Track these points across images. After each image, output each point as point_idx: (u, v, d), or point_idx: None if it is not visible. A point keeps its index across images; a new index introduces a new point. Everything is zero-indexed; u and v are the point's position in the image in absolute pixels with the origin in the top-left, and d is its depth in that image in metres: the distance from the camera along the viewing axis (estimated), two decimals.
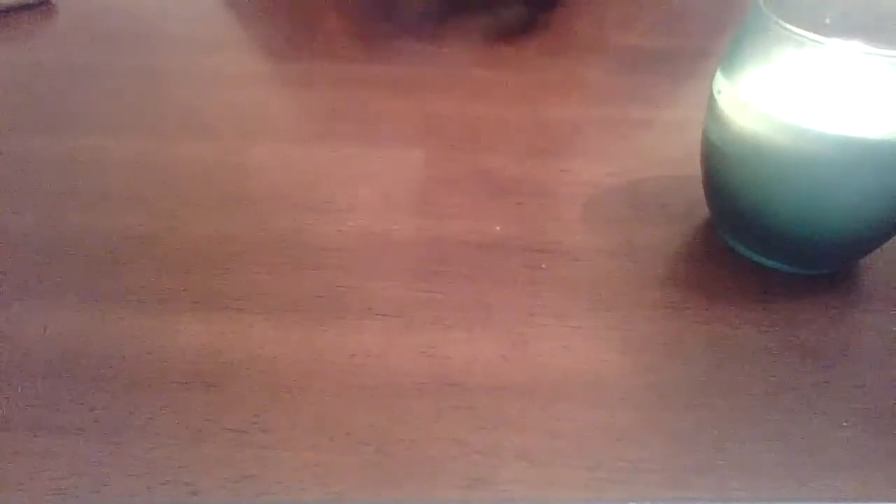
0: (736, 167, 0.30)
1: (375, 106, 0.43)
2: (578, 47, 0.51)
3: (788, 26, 0.26)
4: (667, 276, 0.32)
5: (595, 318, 0.30)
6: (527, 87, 0.46)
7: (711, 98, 0.31)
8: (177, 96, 0.44)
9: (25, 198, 0.36)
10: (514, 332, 0.29)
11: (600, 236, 0.34)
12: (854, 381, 0.28)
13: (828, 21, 0.30)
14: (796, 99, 0.27)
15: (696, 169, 0.33)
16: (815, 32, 0.26)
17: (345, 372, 0.28)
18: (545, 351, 0.29)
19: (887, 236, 0.31)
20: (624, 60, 0.49)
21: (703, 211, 0.35)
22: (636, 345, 0.29)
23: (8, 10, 0.52)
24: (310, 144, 0.40)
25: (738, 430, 0.26)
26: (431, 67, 0.48)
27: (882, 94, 0.26)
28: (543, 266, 0.32)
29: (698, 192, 0.34)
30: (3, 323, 0.29)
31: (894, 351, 0.29)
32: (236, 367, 0.28)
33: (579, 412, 0.26)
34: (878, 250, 0.32)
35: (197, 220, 0.34)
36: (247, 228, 0.34)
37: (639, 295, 0.31)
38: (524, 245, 0.34)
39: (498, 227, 0.34)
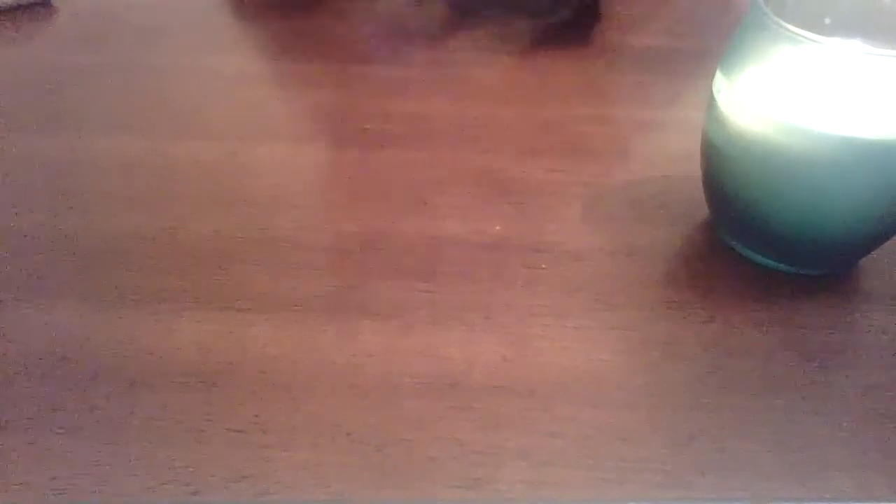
0: (736, 167, 0.30)
1: (375, 106, 0.43)
2: (579, 48, 0.51)
3: (788, 26, 0.26)
4: (667, 276, 0.32)
5: (595, 318, 0.30)
6: (527, 87, 0.46)
7: (711, 98, 0.31)
8: (177, 96, 0.44)
9: (25, 198, 0.36)
10: (514, 332, 0.29)
11: (600, 236, 0.34)
12: (854, 381, 0.28)
13: (828, 21, 0.30)
14: (796, 99, 0.27)
15: (696, 169, 0.33)
16: (814, 32, 0.26)
17: (345, 372, 0.28)
18: (545, 351, 0.29)
19: (887, 236, 0.31)
20: (624, 60, 0.49)
21: (703, 211, 0.35)
22: (636, 345, 0.29)
23: (8, 10, 0.52)
24: (310, 144, 0.40)
25: (738, 430, 0.26)
26: (432, 67, 0.48)
27: (882, 94, 0.26)
28: (543, 266, 0.32)
29: (698, 192, 0.34)
30: (3, 323, 0.29)
31: (894, 351, 0.29)
32: (236, 367, 0.28)
33: (579, 412, 0.26)
34: (878, 250, 0.32)
35: (197, 220, 0.34)
36: (247, 228, 0.34)
37: (639, 295, 0.31)
38: (524, 245, 0.34)
39: (498, 227, 0.34)
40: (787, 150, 0.28)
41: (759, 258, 0.32)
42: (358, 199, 0.36)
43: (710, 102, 0.31)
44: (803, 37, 0.26)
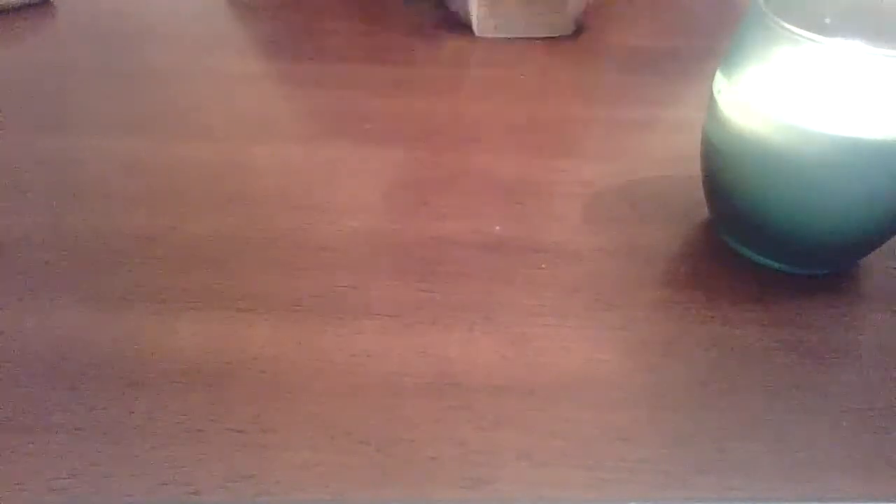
0: (736, 167, 0.30)
1: (375, 106, 0.43)
2: (579, 47, 0.51)
3: (788, 26, 0.26)
4: (667, 276, 0.32)
5: (595, 318, 0.30)
6: (527, 87, 0.46)
7: (711, 98, 0.31)
8: (177, 96, 0.44)
9: (25, 198, 0.36)
10: (514, 332, 0.29)
11: (600, 236, 0.34)
12: (854, 381, 0.28)
13: (828, 21, 0.30)
14: (796, 99, 0.27)
15: (696, 169, 0.33)
16: (815, 32, 0.26)
17: (345, 372, 0.28)
18: (545, 351, 0.29)
19: (887, 236, 0.31)
20: (624, 60, 0.49)
21: (703, 211, 0.35)
22: (636, 345, 0.29)
23: (8, 10, 0.52)
24: (310, 144, 0.40)
25: (738, 430, 0.26)
26: (431, 67, 0.48)
27: (882, 94, 0.26)
28: (543, 266, 0.32)
29: (698, 192, 0.34)
30: (3, 323, 0.29)
31: (894, 351, 0.29)
32: (236, 367, 0.28)
33: (579, 412, 0.26)
34: (878, 250, 0.32)
35: (197, 220, 0.34)
36: (247, 228, 0.34)
37: (639, 295, 0.31)
38: (524, 245, 0.34)
39: (498, 227, 0.34)
40: (788, 150, 0.28)
41: (759, 258, 0.32)
42: (358, 199, 0.36)
43: (710, 102, 0.31)
44: (803, 37, 0.26)
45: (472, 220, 0.35)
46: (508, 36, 0.50)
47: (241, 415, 0.26)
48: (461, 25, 0.52)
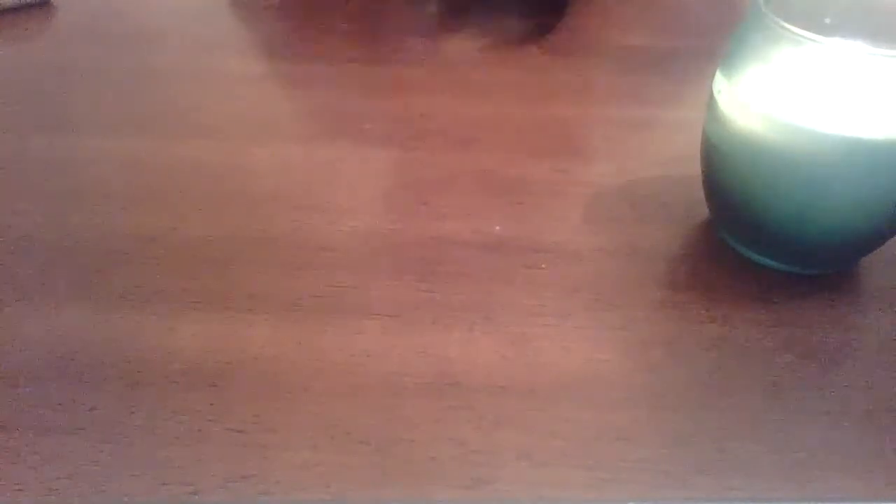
0: (736, 167, 0.30)
1: (375, 106, 0.43)
2: (579, 47, 0.51)
3: (788, 26, 0.26)
4: (667, 276, 0.32)
5: (595, 318, 0.30)
6: (527, 87, 0.46)
7: (711, 98, 0.31)
8: (177, 96, 0.44)
9: (25, 198, 0.36)
10: (514, 332, 0.29)
11: (600, 236, 0.34)
12: (854, 381, 0.28)
13: (828, 21, 0.30)
14: (796, 99, 0.27)
15: (696, 169, 0.33)
16: (815, 32, 0.26)
17: (345, 372, 0.28)
18: (545, 351, 0.29)
19: (887, 236, 0.31)
20: (624, 60, 0.49)
21: (703, 211, 0.35)
22: (636, 345, 0.29)
23: (8, 10, 0.52)
24: (310, 144, 0.40)
25: (738, 430, 0.26)
26: (432, 67, 0.48)
27: (882, 94, 0.26)
28: (543, 266, 0.32)
29: (698, 192, 0.34)
30: (3, 323, 0.29)
31: (894, 351, 0.29)
32: (236, 367, 0.28)
33: (579, 412, 0.26)
34: (878, 250, 0.32)
35: (197, 220, 0.34)
36: (247, 228, 0.34)
37: (639, 295, 0.31)
38: (524, 245, 0.34)
39: (498, 227, 0.34)
40: (788, 150, 0.28)
41: (759, 258, 0.32)
42: (358, 199, 0.36)
43: (710, 102, 0.31)
44: (804, 37, 0.26)
45: (472, 220, 0.35)
46: None
47: (241, 415, 0.26)
48: (461, 25, 0.52)
